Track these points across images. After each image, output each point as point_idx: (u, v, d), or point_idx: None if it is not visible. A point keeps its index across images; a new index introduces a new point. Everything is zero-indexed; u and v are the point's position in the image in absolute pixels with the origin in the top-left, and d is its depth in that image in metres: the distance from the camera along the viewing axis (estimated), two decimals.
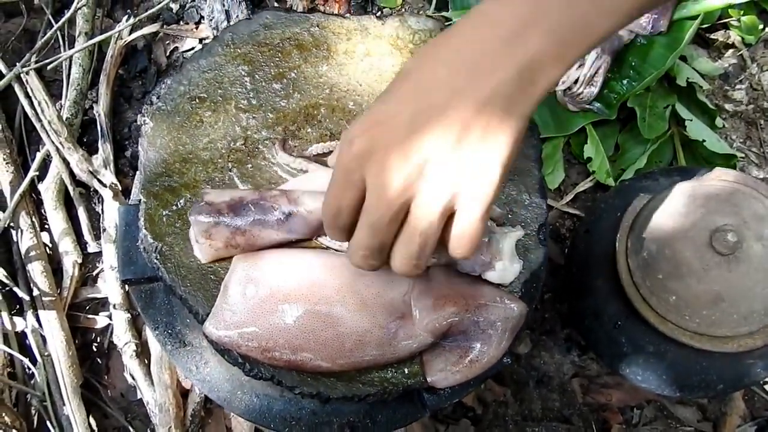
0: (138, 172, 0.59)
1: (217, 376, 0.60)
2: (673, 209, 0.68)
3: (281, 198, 0.53)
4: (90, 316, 0.91)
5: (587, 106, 0.94)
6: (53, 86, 1.00)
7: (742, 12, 1.03)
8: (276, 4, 1.05)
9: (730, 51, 1.06)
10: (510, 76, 0.40)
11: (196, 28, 1.05)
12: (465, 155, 0.40)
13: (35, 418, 0.85)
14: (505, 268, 0.54)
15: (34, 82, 0.92)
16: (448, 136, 0.40)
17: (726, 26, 1.05)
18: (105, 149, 0.94)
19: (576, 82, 0.92)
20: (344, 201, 0.43)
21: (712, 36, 1.06)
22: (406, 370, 0.53)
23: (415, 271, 0.44)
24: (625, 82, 0.94)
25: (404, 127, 0.41)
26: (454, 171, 0.40)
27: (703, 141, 0.92)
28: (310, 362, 0.51)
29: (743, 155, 1.01)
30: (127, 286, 0.87)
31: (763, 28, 1.04)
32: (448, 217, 0.42)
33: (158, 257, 0.54)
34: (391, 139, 0.41)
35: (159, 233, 0.55)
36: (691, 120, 0.94)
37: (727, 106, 1.04)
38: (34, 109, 0.92)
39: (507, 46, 0.40)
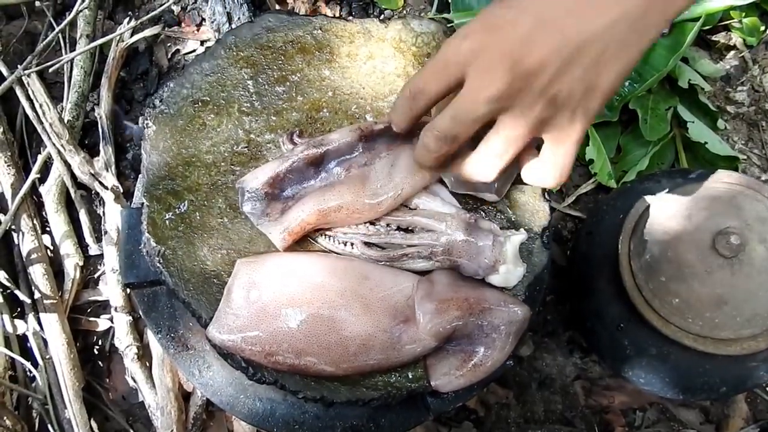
0: (140, 176, 0.59)
1: (220, 380, 0.59)
2: (676, 211, 0.68)
3: (307, 146, 0.55)
4: (91, 318, 0.91)
5: None
6: (54, 88, 1.00)
7: (743, 14, 1.03)
8: (278, 7, 1.05)
9: (732, 53, 1.06)
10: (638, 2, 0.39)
11: (198, 30, 1.05)
12: (570, 80, 0.40)
13: (36, 421, 0.85)
14: (509, 271, 0.54)
15: (35, 85, 0.92)
16: (560, 54, 0.40)
17: (727, 28, 1.05)
18: (106, 151, 0.94)
19: None
20: (432, 85, 0.44)
21: (714, 38, 1.06)
22: (410, 374, 0.53)
23: (491, 171, 0.45)
24: (626, 83, 0.94)
25: (520, 36, 0.40)
26: (553, 95, 0.40)
27: (705, 143, 0.92)
28: (313, 366, 0.51)
29: (745, 157, 1.01)
30: (129, 290, 0.87)
31: (765, 30, 1.04)
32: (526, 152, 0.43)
33: (161, 261, 0.54)
34: (505, 45, 0.41)
35: (162, 237, 0.55)
36: (693, 122, 0.94)
37: (729, 108, 1.04)
38: (36, 112, 0.92)
39: None
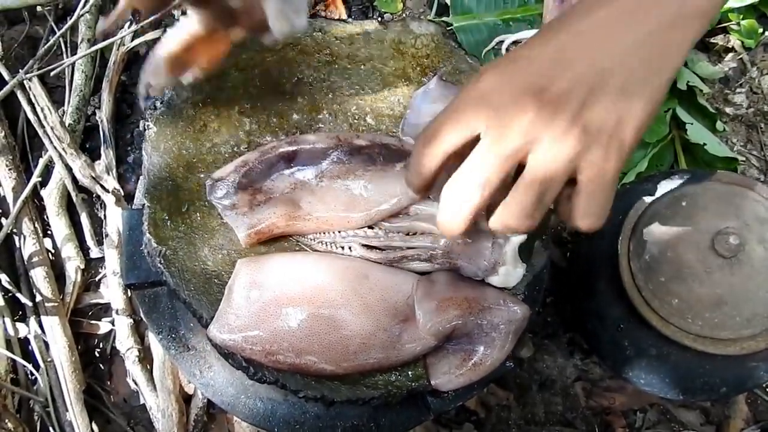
0: (142, 177, 0.59)
1: (221, 380, 0.60)
2: (675, 212, 0.69)
3: (281, 143, 0.55)
4: (93, 321, 0.91)
5: None
6: (56, 93, 1.00)
7: (741, 16, 1.03)
8: None
9: (730, 55, 1.06)
10: (658, 26, 0.38)
11: None
12: (600, 108, 0.38)
13: (38, 424, 0.85)
14: (509, 272, 0.55)
15: (36, 89, 0.92)
16: (586, 81, 0.38)
17: (726, 30, 1.06)
18: (107, 155, 0.94)
19: None
20: (446, 128, 0.40)
21: (712, 40, 1.06)
22: (410, 373, 0.54)
23: (527, 224, 0.40)
24: None
25: (542, 67, 0.39)
26: (585, 123, 0.38)
27: (704, 144, 0.93)
28: (314, 365, 0.51)
29: (744, 159, 1.02)
30: (130, 291, 0.87)
31: (763, 32, 1.05)
32: (566, 184, 0.39)
33: (162, 261, 0.54)
34: (527, 78, 0.39)
35: (163, 237, 0.55)
36: (692, 124, 0.94)
37: (728, 110, 1.04)
38: (37, 116, 0.92)
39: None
